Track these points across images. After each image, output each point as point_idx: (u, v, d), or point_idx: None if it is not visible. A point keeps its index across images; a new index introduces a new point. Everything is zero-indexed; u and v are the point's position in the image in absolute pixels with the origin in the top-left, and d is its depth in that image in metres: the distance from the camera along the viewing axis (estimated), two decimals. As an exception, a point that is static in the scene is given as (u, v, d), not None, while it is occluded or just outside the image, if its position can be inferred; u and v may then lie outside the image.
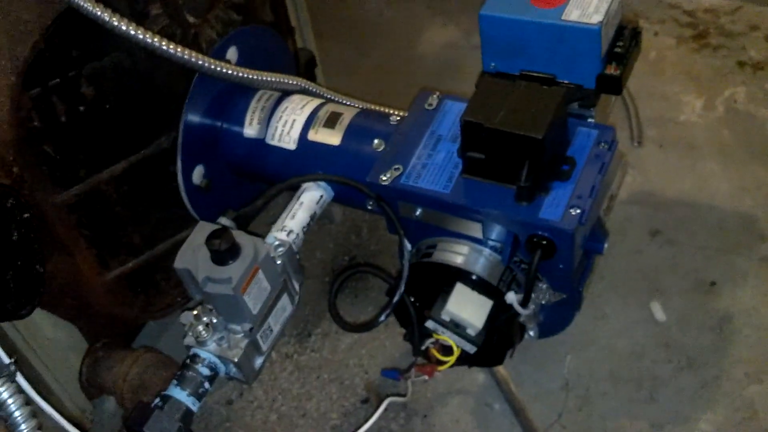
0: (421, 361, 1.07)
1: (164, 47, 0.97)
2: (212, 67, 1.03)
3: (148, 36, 0.95)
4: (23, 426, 0.88)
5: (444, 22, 1.98)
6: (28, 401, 0.89)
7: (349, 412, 1.30)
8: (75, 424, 0.95)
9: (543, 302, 1.04)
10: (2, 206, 0.85)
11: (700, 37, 1.81)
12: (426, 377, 1.10)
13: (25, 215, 0.89)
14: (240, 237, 0.94)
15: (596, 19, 0.96)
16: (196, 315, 0.98)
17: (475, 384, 1.30)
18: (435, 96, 1.10)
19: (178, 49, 0.98)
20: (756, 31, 1.79)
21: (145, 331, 1.39)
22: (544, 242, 0.95)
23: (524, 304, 0.99)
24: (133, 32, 0.94)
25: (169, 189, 1.14)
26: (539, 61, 1.01)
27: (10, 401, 0.87)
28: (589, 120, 1.03)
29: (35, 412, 0.90)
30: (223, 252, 0.91)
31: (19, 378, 0.88)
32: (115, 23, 0.92)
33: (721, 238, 1.44)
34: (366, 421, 1.14)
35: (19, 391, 0.88)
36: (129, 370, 1.17)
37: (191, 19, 1.09)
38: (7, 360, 0.88)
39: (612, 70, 1.00)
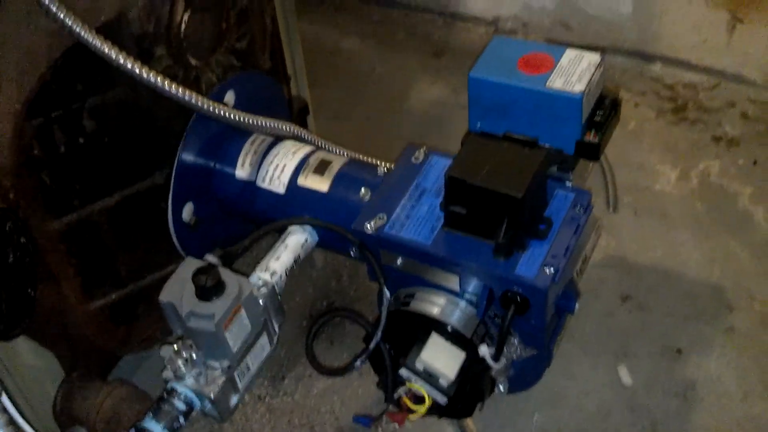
0: (392, 409, 1.08)
1: (166, 87, 0.99)
2: (210, 108, 1.05)
3: (151, 75, 0.97)
4: (5, 446, 0.89)
5: (433, 80, 2.03)
6: (11, 421, 0.89)
7: (318, 457, 1.30)
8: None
9: (514, 357, 1.06)
10: (1, 229, 0.86)
11: (679, 111, 1.86)
12: (397, 425, 1.11)
13: (22, 239, 0.90)
14: (225, 275, 0.96)
15: (578, 88, 1.00)
16: (176, 350, 0.99)
17: (444, 435, 1.32)
18: (422, 150, 1.13)
19: (179, 90, 1.01)
20: (732, 107, 1.85)
21: (121, 365, 1.39)
22: (518, 298, 0.97)
23: (496, 357, 1.01)
24: (137, 71, 0.96)
25: (159, 224, 1.16)
26: (523, 124, 1.04)
27: (-6, 420, 0.88)
28: (567, 183, 1.07)
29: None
30: (209, 288, 0.93)
31: (4, 398, 0.88)
32: (121, 61, 0.95)
33: (689, 306, 1.47)
34: (334, 466, 1.15)
35: (3, 410, 0.88)
36: (103, 402, 1.17)
37: (193, 62, 1.12)
38: (-8, 380, 0.89)
39: (591, 137, 1.03)
